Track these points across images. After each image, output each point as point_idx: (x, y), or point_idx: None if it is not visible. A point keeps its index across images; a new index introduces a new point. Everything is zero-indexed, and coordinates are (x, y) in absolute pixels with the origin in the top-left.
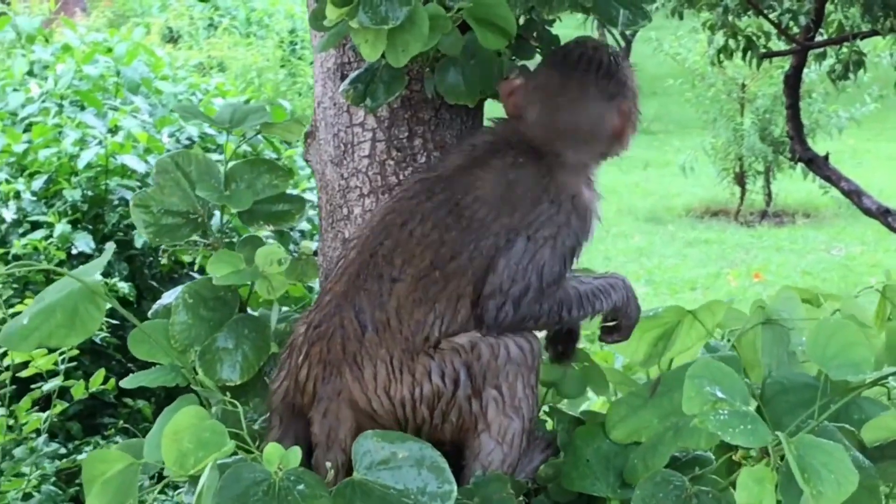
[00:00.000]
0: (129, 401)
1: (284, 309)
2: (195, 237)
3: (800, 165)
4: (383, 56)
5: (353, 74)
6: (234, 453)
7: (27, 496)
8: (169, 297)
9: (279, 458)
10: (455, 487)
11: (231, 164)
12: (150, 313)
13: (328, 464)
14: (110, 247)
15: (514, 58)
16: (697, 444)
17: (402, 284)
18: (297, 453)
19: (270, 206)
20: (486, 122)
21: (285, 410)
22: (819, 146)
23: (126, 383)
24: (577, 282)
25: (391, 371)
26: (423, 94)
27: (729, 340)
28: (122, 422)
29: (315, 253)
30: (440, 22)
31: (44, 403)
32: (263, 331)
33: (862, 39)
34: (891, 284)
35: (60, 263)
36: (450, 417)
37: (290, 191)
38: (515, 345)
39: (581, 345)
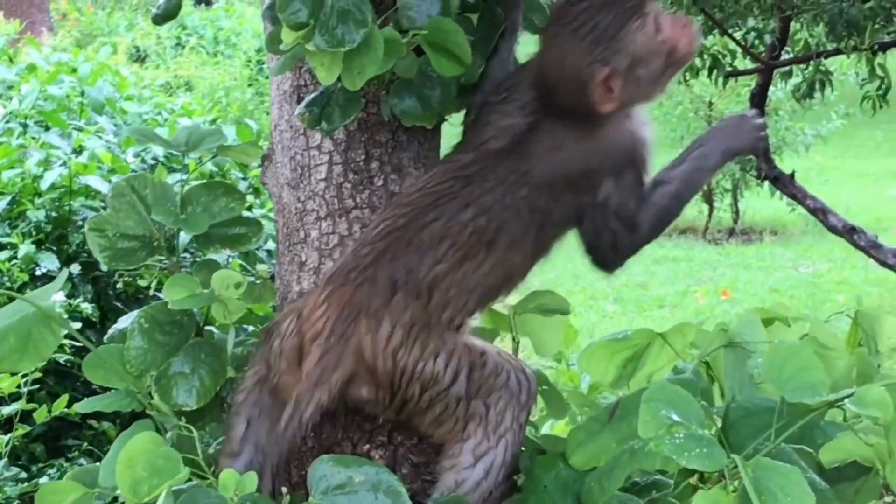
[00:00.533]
0: (93, 422)
1: (250, 328)
2: (151, 261)
3: (767, 183)
4: (339, 79)
5: (308, 98)
6: (189, 479)
7: None
8: (125, 321)
9: (235, 484)
10: None
11: (188, 187)
12: (105, 338)
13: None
14: (64, 272)
15: None
16: (652, 467)
17: (443, 266)
18: (252, 479)
19: (227, 229)
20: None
21: (255, 390)
22: (786, 164)
23: (81, 408)
24: (665, 182)
25: (406, 338)
26: (380, 116)
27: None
28: (86, 444)
29: (272, 277)
30: (395, 46)
31: (7, 426)
32: (220, 355)
33: (826, 58)
34: (862, 310)
35: (24, 285)
36: (434, 408)
37: (256, 211)
38: (515, 376)
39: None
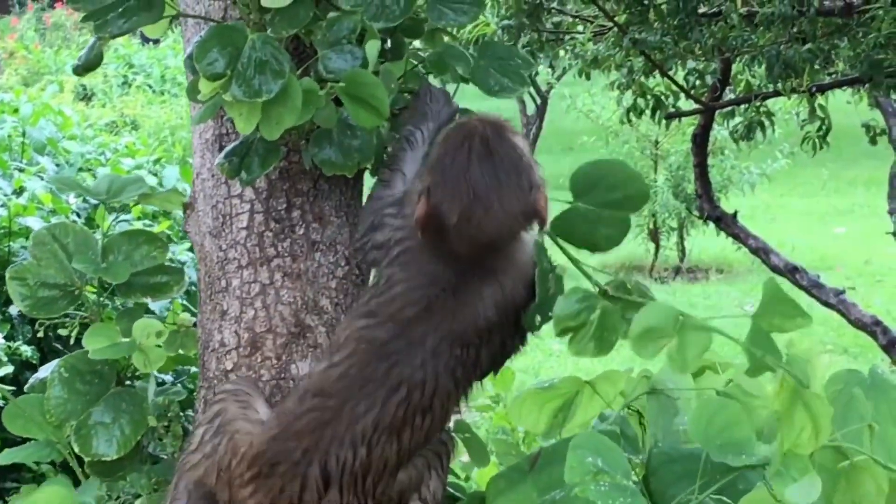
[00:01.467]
0: (33, 465)
1: (168, 378)
2: (71, 310)
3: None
4: (258, 129)
5: (228, 147)
6: None
7: None
8: (45, 370)
9: None
10: None
11: (109, 236)
12: (26, 387)
13: None
14: None
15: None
16: None
17: (379, 449)
18: None
19: (149, 277)
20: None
21: (196, 489)
22: (732, 202)
23: (0, 459)
24: None
25: None
26: (301, 165)
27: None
28: (23, 486)
29: (194, 325)
30: (313, 96)
31: None
32: (140, 404)
33: (765, 100)
34: (792, 356)
35: None
36: None
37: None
38: (438, 445)
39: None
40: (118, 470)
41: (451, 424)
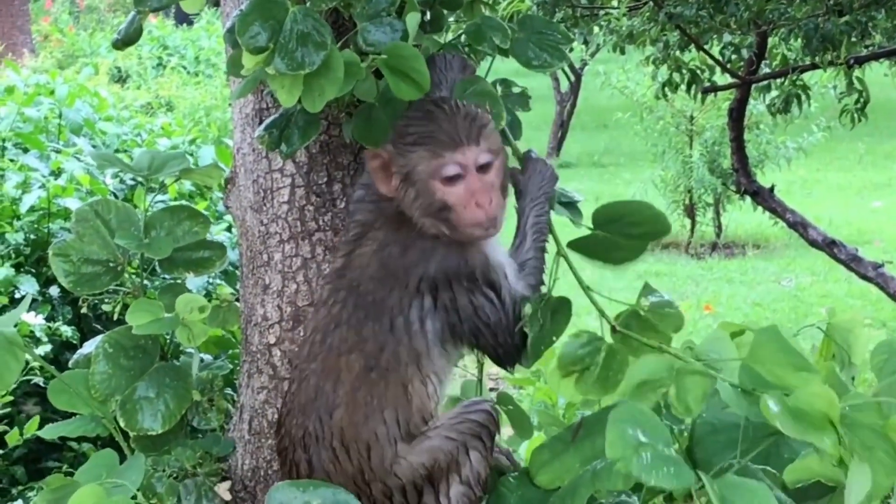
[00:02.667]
0: (73, 444)
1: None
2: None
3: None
4: (299, 101)
5: (268, 120)
6: None
7: None
8: (89, 346)
9: None
10: None
11: (151, 211)
12: (70, 363)
13: None
14: (28, 296)
15: None
16: (616, 486)
17: (340, 411)
18: None
19: (191, 252)
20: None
21: None
22: (768, 177)
23: (47, 433)
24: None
25: None
26: (342, 139)
27: None
28: (66, 465)
29: (236, 300)
30: (355, 68)
31: None
32: (185, 379)
33: (802, 73)
34: (833, 323)
35: (3, 308)
36: None
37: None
38: (468, 442)
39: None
40: (163, 444)
41: (493, 402)
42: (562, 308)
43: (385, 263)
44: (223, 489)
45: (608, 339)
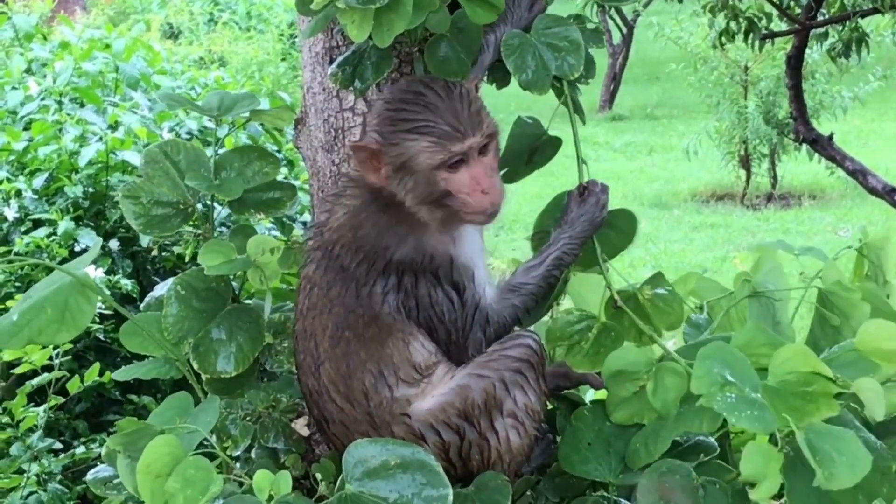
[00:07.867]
0: (134, 397)
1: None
2: (186, 227)
3: (805, 147)
4: (370, 38)
5: (340, 58)
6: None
7: (29, 493)
8: (161, 288)
9: (269, 485)
10: (450, 490)
11: (221, 151)
12: (142, 306)
13: None
14: (97, 241)
15: None
16: (699, 429)
17: (325, 367)
18: (287, 479)
19: (261, 193)
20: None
21: None
22: (823, 127)
23: (119, 375)
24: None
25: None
26: (414, 75)
27: (707, 313)
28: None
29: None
30: (426, 1)
31: (45, 400)
32: (257, 321)
33: (863, 17)
34: (868, 242)
35: (63, 260)
36: (472, 456)
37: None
38: (513, 363)
39: None
40: (236, 387)
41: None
42: None
43: (359, 238)
44: (300, 425)
45: (603, 317)
